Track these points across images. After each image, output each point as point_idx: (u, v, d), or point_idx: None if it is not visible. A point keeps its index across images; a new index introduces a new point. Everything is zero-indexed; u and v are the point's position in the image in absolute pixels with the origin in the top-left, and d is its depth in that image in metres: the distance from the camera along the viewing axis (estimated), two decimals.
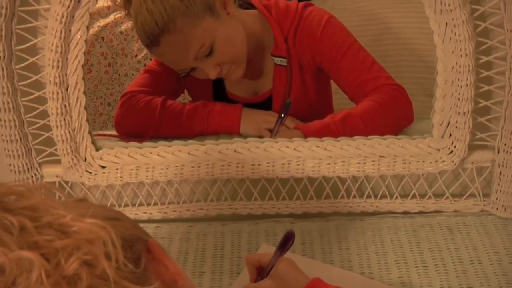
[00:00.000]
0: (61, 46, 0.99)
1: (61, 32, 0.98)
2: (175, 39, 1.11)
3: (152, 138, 1.18)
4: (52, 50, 0.99)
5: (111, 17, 1.66)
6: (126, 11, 1.15)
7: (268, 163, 1.10)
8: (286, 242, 0.92)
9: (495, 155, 1.07)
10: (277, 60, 1.24)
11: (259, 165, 1.10)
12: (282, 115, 1.19)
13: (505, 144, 1.05)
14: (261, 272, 0.91)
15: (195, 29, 1.11)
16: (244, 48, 1.19)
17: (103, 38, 1.65)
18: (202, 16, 1.11)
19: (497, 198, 1.10)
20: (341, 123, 1.13)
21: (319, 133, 1.12)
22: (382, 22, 1.58)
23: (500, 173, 1.08)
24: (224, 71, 1.18)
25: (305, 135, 1.13)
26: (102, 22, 1.66)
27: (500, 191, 1.09)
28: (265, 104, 1.28)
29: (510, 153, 1.05)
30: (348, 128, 1.12)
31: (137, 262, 0.53)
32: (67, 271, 0.46)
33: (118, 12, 1.67)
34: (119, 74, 1.68)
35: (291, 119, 1.21)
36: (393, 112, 1.17)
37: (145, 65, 1.59)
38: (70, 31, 0.99)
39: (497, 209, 1.11)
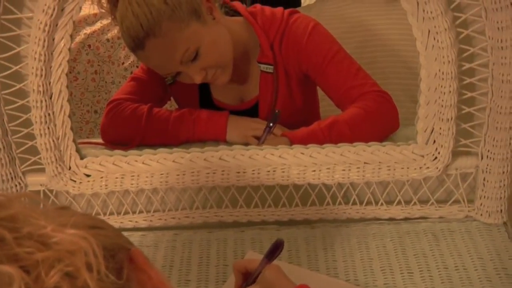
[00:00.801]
0: (45, 55, 0.99)
1: (44, 40, 0.98)
2: (160, 43, 1.11)
3: (138, 146, 1.18)
4: (35, 59, 0.99)
5: (97, 25, 1.66)
6: (112, 16, 1.15)
7: (253, 170, 1.10)
8: (275, 251, 0.92)
9: (478, 161, 1.08)
10: (263, 67, 1.24)
11: (244, 172, 1.10)
12: (271, 124, 1.19)
13: (488, 150, 1.06)
14: (247, 278, 0.91)
15: (180, 33, 1.11)
16: (230, 53, 1.19)
17: (89, 46, 1.65)
18: (188, 21, 1.11)
19: (481, 204, 1.11)
20: (328, 130, 1.13)
21: (306, 140, 1.12)
22: (367, 29, 1.59)
23: (484, 179, 1.08)
24: (209, 75, 1.18)
25: (292, 142, 1.13)
26: (88, 30, 1.66)
27: (484, 197, 1.10)
28: (251, 111, 1.28)
29: (493, 159, 1.06)
30: (334, 135, 1.13)
31: (119, 272, 0.52)
32: (48, 284, 0.45)
33: (105, 19, 1.67)
34: (105, 82, 1.67)
35: (278, 126, 1.21)
36: (379, 118, 1.17)
37: (131, 72, 1.59)
38: (53, 39, 0.99)
39: (481, 215, 1.11)
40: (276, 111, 1.21)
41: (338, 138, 1.12)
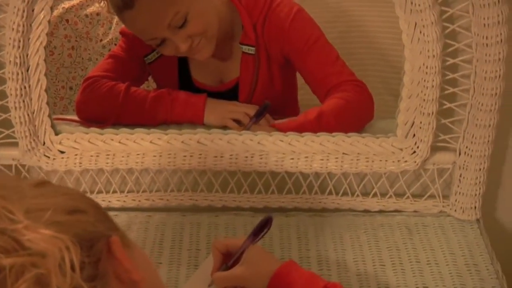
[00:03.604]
0: (23, 26, 0.96)
1: (24, 10, 0.95)
2: (151, 2, 1.09)
3: (114, 125, 1.15)
4: (13, 29, 0.96)
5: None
6: None
7: (231, 155, 1.09)
8: (263, 227, 0.91)
9: (456, 157, 1.08)
10: (245, 48, 1.24)
11: (221, 157, 1.09)
12: (258, 114, 1.18)
13: (466, 147, 1.06)
14: (227, 258, 0.90)
15: None
16: (215, 25, 1.18)
17: (67, 21, 1.61)
18: None
19: (456, 200, 1.11)
20: (317, 122, 1.13)
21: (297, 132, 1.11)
22: (350, 20, 1.58)
23: (460, 175, 1.09)
24: (194, 44, 1.16)
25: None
26: (67, 4, 1.62)
27: (459, 193, 1.10)
28: (231, 93, 1.27)
29: (471, 156, 1.06)
30: (323, 127, 1.12)
31: (95, 266, 0.50)
32: None
33: None
34: (82, 58, 1.64)
35: (267, 117, 1.20)
36: (359, 108, 1.18)
37: (109, 50, 1.56)
38: (33, 10, 0.96)
39: (455, 211, 1.12)
40: (266, 102, 1.20)
41: (326, 130, 1.11)
